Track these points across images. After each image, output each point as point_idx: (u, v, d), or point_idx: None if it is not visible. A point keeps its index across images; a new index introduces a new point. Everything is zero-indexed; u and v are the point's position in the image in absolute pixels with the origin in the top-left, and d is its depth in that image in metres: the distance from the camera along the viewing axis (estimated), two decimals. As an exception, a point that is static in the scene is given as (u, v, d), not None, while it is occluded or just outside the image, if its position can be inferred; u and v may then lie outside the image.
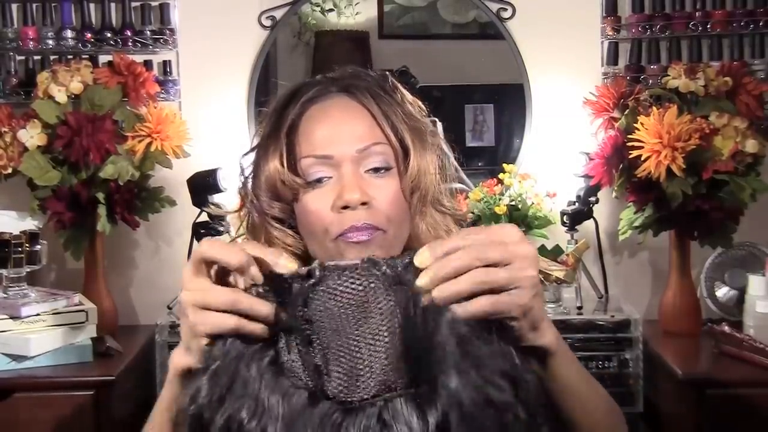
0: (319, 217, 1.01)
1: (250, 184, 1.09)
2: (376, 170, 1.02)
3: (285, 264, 0.81)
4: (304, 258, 1.06)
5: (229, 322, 0.80)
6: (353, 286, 0.78)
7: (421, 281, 0.77)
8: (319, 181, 1.02)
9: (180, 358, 0.86)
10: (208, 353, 0.81)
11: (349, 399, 0.77)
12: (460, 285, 0.76)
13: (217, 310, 0.80)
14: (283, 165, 1.03)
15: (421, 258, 0.78)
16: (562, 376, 0.86)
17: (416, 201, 1.05)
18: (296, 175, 1.02)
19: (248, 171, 1.09)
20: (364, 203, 0.99)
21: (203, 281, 0.82)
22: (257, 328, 0.80)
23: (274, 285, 0.81)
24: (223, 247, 0.81)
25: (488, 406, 0.73)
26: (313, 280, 0.79)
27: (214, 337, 0.81)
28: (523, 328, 0.79)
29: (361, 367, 0.78)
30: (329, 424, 0.76)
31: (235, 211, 1.13)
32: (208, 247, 0.81)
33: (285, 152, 1.04)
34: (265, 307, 0.80)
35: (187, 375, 0.85)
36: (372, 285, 0.78)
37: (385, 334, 0.78)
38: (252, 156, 1.09)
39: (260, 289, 0.80)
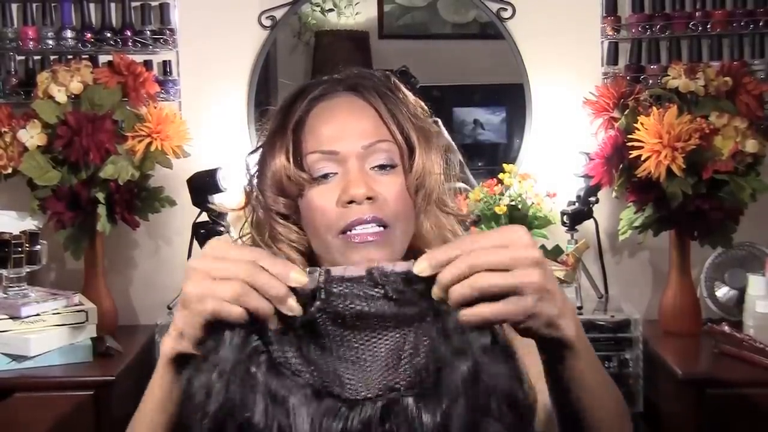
0: (324, 212, 1.01)
1: (255, 181, 1.09)
2: (381, 167, 1.03)
3: (296, 278, 0.77)
4: (308, 254, 1.07)
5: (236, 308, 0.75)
6: (356, 298, 0.78)
7: (435, 292, 0.76)
8: (324, 176, 1.03)
9: (173, 343, 0.81)
10: (204, 344, 0.78)
11: (352, 398, 0.78)
12: (464, 289, 0.74)
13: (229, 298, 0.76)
14: (289, 160, 1.04)
15: (419, 267, 0.76)
16: (577, 371, 0.83)
17: (421, 199, 1.06)
18: (302, 171, 1.03)
19: (254, 168, 1.10)
20: (369, 198, 1.00)
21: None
22: (266, 307, 0.75)
23: None
24: (279, 264, 0.77)
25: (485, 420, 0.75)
26: (318, 289, 0.78)
27: (210, 331, 0.77)
28: (533, 328, 0.77)
29: (366, 367, 0.79)
30: (334, 416, 0.76)
31: (240, 208, 1.13)
32: (267, 259, 0.77)
33: (291, 148, 1.05)
34: (282, 289, 0.76)
35: (180, 361, 0.81)
36: (375, 296, 0.78)
37: (389, 340, 0.79)
38: (257, 155, 1.10)
39: None
